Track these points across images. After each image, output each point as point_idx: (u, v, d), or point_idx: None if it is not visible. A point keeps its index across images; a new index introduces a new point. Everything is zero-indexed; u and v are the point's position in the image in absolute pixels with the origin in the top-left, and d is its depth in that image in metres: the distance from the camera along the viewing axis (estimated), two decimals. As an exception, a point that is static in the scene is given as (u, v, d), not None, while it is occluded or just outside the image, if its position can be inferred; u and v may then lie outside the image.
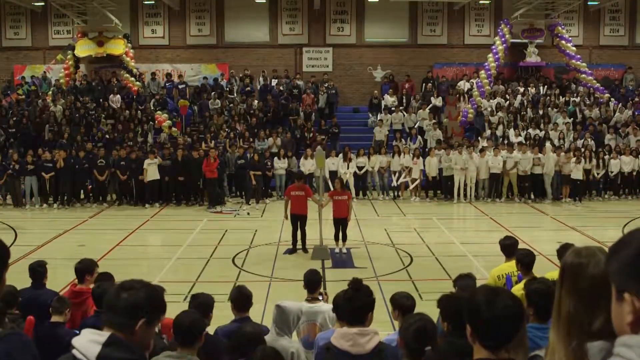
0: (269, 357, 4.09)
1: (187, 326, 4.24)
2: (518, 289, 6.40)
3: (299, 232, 14.07)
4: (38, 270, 6.76)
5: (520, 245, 7.64)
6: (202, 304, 5.36)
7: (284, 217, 14.37)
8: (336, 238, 14.00)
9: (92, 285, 6.44)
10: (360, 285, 4.42)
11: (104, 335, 2.35)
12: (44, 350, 4.88)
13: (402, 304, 5.28)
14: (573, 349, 1.94)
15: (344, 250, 14.04)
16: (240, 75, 26.43)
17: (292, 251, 14.09)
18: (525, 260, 6.59)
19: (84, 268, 6.93)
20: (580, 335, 1.93)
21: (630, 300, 1.56)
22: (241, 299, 5.71)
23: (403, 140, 22.93)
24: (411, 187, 21.15)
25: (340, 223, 13.93)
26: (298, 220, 13.94)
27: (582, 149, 21.23)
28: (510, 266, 6.95)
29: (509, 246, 7.21)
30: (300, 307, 5.57)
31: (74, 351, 2.37)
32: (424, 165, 21.03)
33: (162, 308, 2.58)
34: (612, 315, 1.66)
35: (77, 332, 5.80)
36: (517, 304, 2.46)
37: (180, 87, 26.00)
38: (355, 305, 4.31)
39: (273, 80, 26.15)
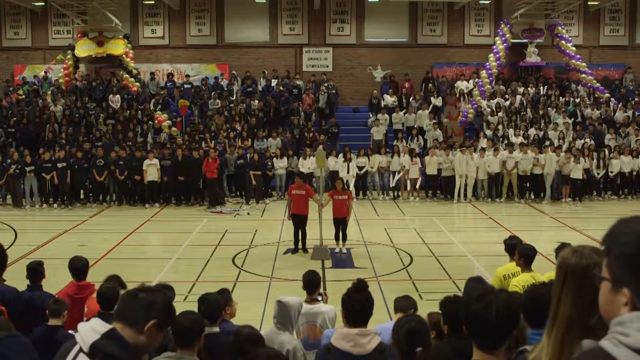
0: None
1: (187, 327, 4.23)
2: (520, 281, 6.41)
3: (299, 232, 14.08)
4: (38, 271, 6.58)
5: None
6: (211, 305, 5.29)
7: (286, 216, 14.34)
8: (336, 238, 13.99)
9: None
10: (363, 285, 4.43)
11: (106, 327, 2.37)
12: (41, 355, 4.84)
13: (401, 306, 5.32)
14: (562, 346, 1.94)
15: (344, 250, 14.03)
16: (242, 76, 26.39)
17: (293, 251, 14.09)
18: (530, 254, 6.59)
19: (86, 264, 6.91)
20: (574, 334, 1.93)
21: (630, 296, 1.57)
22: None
23: (404, 140, 22.93)
24: (410, 187, 21.13)
25: (340, 223, 13.92)
26: (298, 220, 13.95)
27: (582, 149, 21.24)
28: (515, 266, 6.93)
29: (514, 246, 7.18)
30: (300, 301, 5.57)
31: (76, 335, 2.41)
32: (423, 165, 21.05)
33: (174, 315, 2.61)
34: (601, 300, 1.66)
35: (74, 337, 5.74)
36: (511, 306, 2.45)
37: (185, 86, 25.99)
38: (360, 306, 4.32)
39: (273, 80, 26.14)
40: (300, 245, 14.08)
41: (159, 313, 2.47)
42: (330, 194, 14.14)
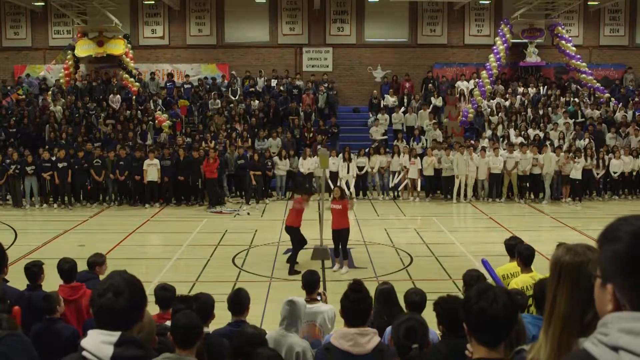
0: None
1: (186, 327, 4.23)
2: (519, 282, 6.42)
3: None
4: (33, 270, 6.57)
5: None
6: (203, 305, 5.32)
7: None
8: (335, 253, 12.73)
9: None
10: (360, 286, 4.43)
11: (114, 335, 2.34)
12: (43, 347, 4.87)
13: (412, 301, 5.38)
14: (559, 344, 1.94)
15: (343, 271, 12.42)
16: (243, 76, 26.39)
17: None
18: (528, 254, 6.59)
19: (74, 266, 6.91)
20: (571, 331, 1.94)
21: (612, 291, 1.61)
22: (238, 302, 5.65)
23: (404, 140, 22.91)
24: (410, 187, 21.15)
25: (336, 234, 12.54)
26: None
27: (582, 149, 21.24)
28: (515, 266, 6.93)
29: (514, 246, 7.18)
30: (304, 301, 5.60)
31: (85, 353, 2.35)
32: (422, 165, 21.04)
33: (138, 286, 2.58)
34: (595, 297, 1.69)
35: (74, 328, 5.77)
36: (509, 300, 2.45)
37: (185, 86, 25.98)
38: (356, 307, 4.32)
39: (273, 80, 26.15)
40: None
41: (143, 306, 2.48)
42: (331, 202, 13.58)
